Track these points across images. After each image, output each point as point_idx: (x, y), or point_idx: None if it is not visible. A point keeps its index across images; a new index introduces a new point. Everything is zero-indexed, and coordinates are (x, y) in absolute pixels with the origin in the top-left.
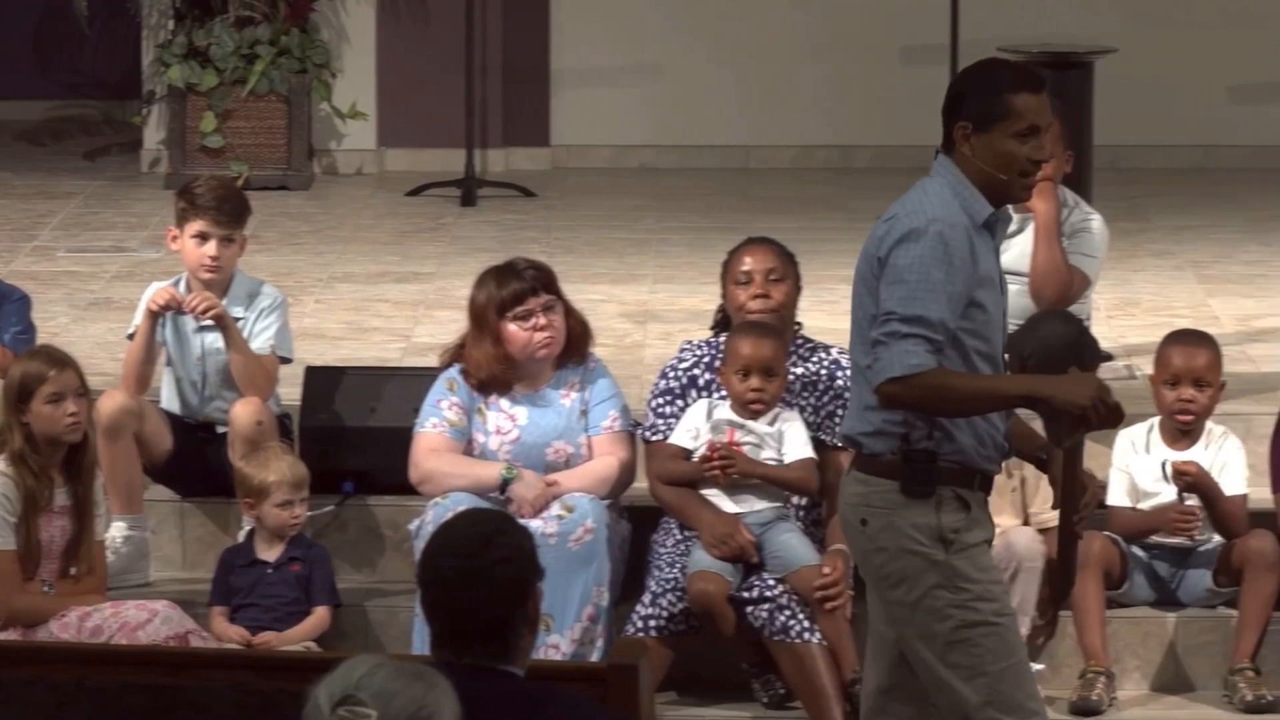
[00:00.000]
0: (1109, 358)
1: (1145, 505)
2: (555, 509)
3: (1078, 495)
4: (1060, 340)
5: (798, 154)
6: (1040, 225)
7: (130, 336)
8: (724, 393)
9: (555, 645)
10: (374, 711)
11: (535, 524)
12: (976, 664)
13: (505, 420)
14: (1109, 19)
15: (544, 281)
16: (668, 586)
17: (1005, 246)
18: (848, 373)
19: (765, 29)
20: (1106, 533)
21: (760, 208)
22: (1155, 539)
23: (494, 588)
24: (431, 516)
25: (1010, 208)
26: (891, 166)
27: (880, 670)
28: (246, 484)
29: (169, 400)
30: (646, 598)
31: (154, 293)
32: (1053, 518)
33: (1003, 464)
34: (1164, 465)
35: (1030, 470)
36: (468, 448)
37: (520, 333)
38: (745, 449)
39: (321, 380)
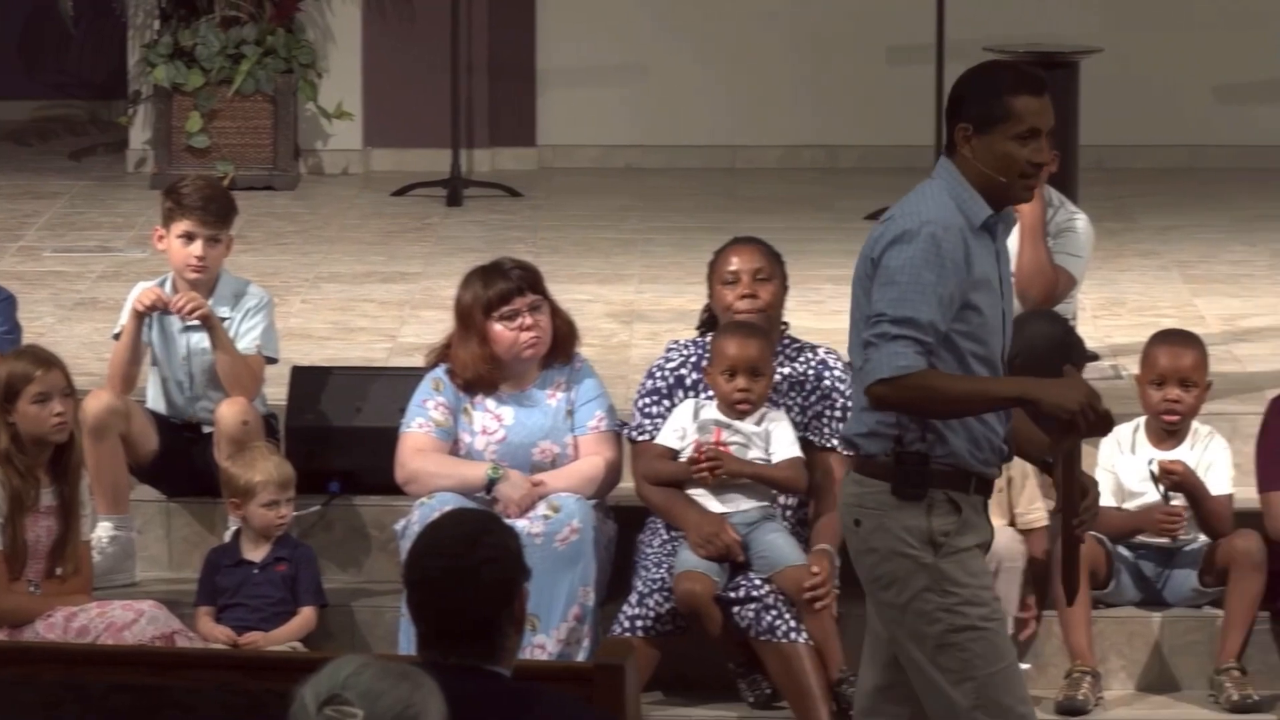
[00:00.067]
0: (1095, 358)
1: (1131, 505)
2: (541, 509)
3: (1077, 499)
4: (1046, 340)
5: (784, 154)
6: (1025, 225)
7: (116, 336)
8: (711, 393)
9: (541, 645)
10: (360, 711)
11: (521, 524)
12: (964, 668)
13: (491, 420)
14: (1095, 19)
15: (530, 281)
16: (654, 586)
17: None
18: (835, 373)
19: (751, 29)
20: (1092, 532)
21: (746, 208)
22: (1141, 539)
23: (480, 588)
24: (417, 516)
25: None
26: (878, 166)
27: (875, 669)
28: (232, 484)
29: (155, 400)
30: (633, 598)
31: (140, 293)
32: (1038, 518)
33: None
34: (1150, 465)
35: (1016, 470)
36: (454, 448)
37: (506, 333)
38: (732, 449)
39: (307, 380)
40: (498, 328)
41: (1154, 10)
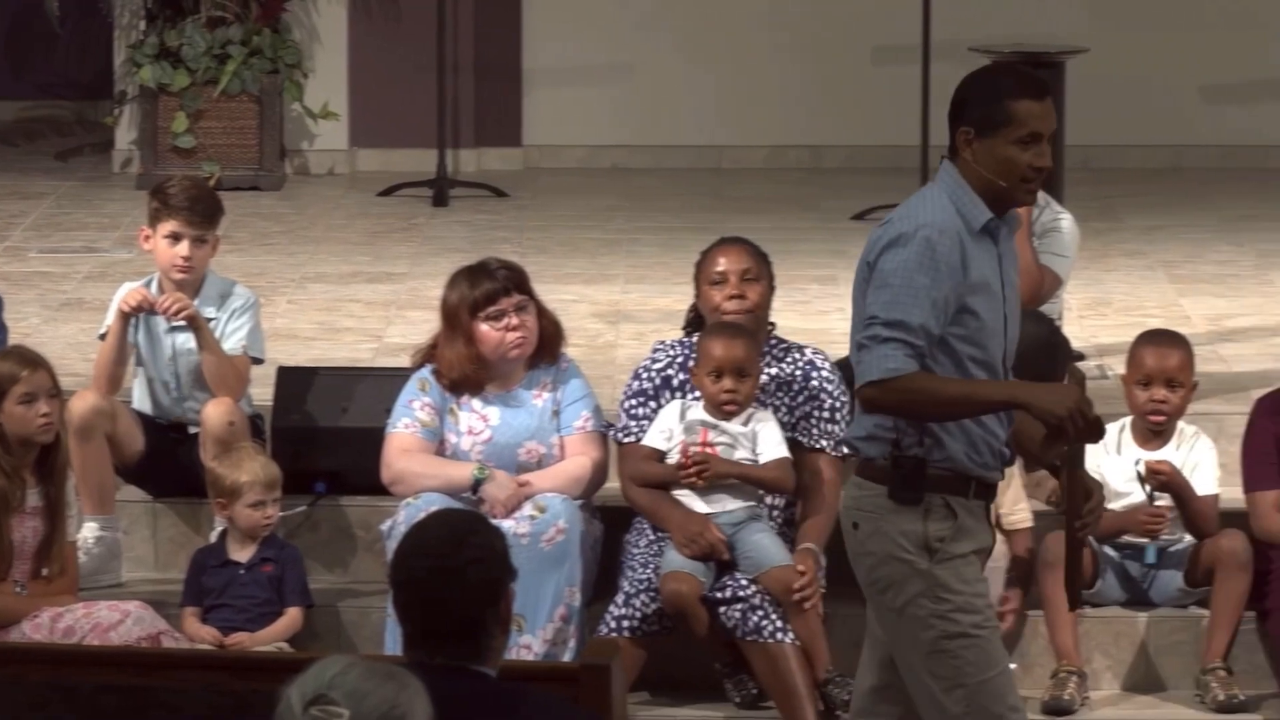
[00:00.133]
0: (1080, 358)
1: (1116, 505)
2: (527, 509)
3: (1080, 502)
4: (1032, 340)
5: (770, 154)
6: None
7: (102, 337)
8: (698, 393)
9: (527, 645)
10: (346, 711)
11: (507, 524)
12: (956, 675)
13: (477, 420)
14: (1081, 19)
15: (516, 281)
16: (641, 587)
17: None
18: (823, 373)
19: (737, 29)
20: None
21: (733, 208)
22: (1127, 539)
23: (466, 588)
24: (404, 517)
25: None
26: (863, 166)
27: (872, 669)
28: (218, 484)
29: (141, 401)
30: (619, 598)
31: (126, 294)
32: (1022, 519)
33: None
34: (1137, 466)
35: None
36: (440, 448)
37: (492, 333)
38: (719, 449)
39: (293, 380)
40: (484, 328)
41: (1140, 10)
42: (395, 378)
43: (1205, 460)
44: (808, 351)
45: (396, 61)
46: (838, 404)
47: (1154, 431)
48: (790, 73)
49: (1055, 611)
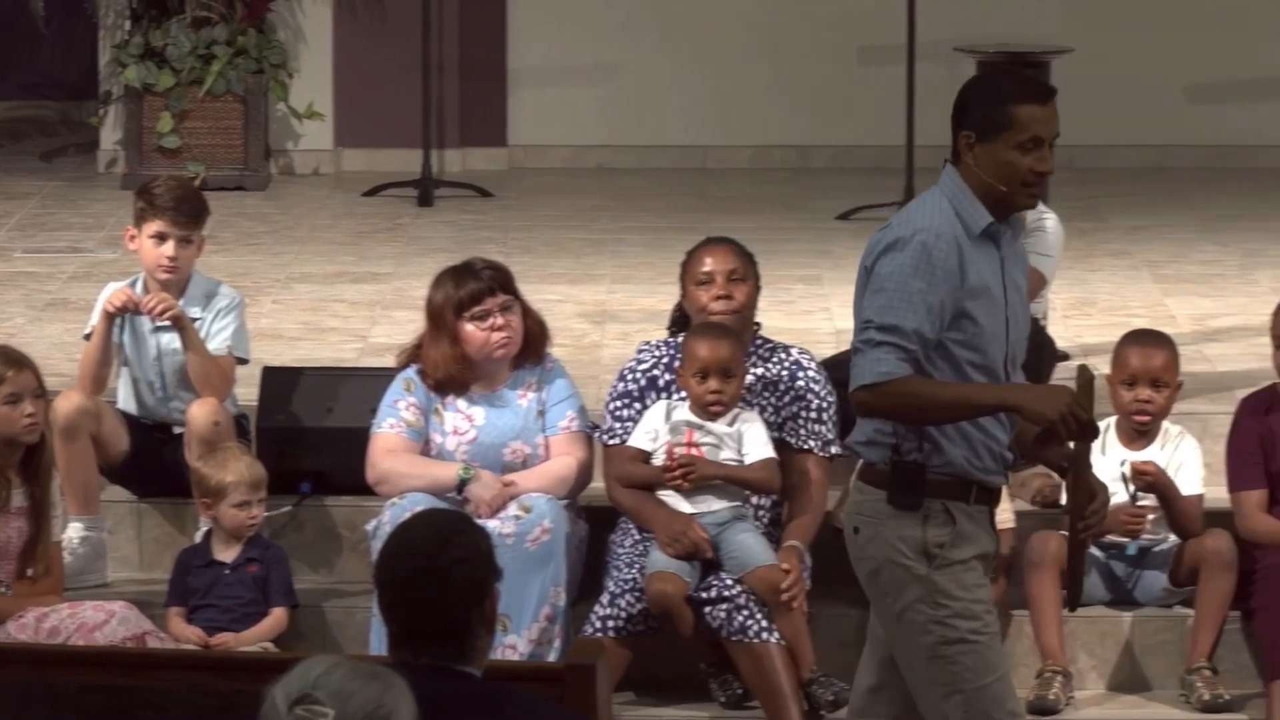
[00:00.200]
0: (1065, 357)
1: None
2: (513, 509)
3: (1084, 503)
4: None
5: (755, 154)
6: None
7: (87, 337)
8: (683, 394)
9: (513, 645)
10: (331, 710)
11: (493, 524)
12: (954, 681)
13: (462, 420)
14: (1066, 19)
15: (501, 281)
16: (626, 587)
17: None
18: (809, 373)
19: (722, 29)
20: (1062, 532)
21: (718, 208)
22: (1110, 538)
23: (451, 588)
24: (389, 517)
25: None
26: (849, 166)
27: (871, 669)
28: (204, 484)
29: (126, 401)
30: (605, 598)
31: (111, 294)
32: (1005, 519)
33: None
34: (1122, 467)
35: None
36: (425, 448)
37: (478, 333)
38: (704, 450)
39: (278, 381)
40: (469, 328)
41: (1124, 10)
42: (380, 378)
43: (1190, 460)
44: (793, 352)
45: (381, 61)
46: (824, 404)
47: (1139, 431)
48: (775, 73)
49: (1040, 611)
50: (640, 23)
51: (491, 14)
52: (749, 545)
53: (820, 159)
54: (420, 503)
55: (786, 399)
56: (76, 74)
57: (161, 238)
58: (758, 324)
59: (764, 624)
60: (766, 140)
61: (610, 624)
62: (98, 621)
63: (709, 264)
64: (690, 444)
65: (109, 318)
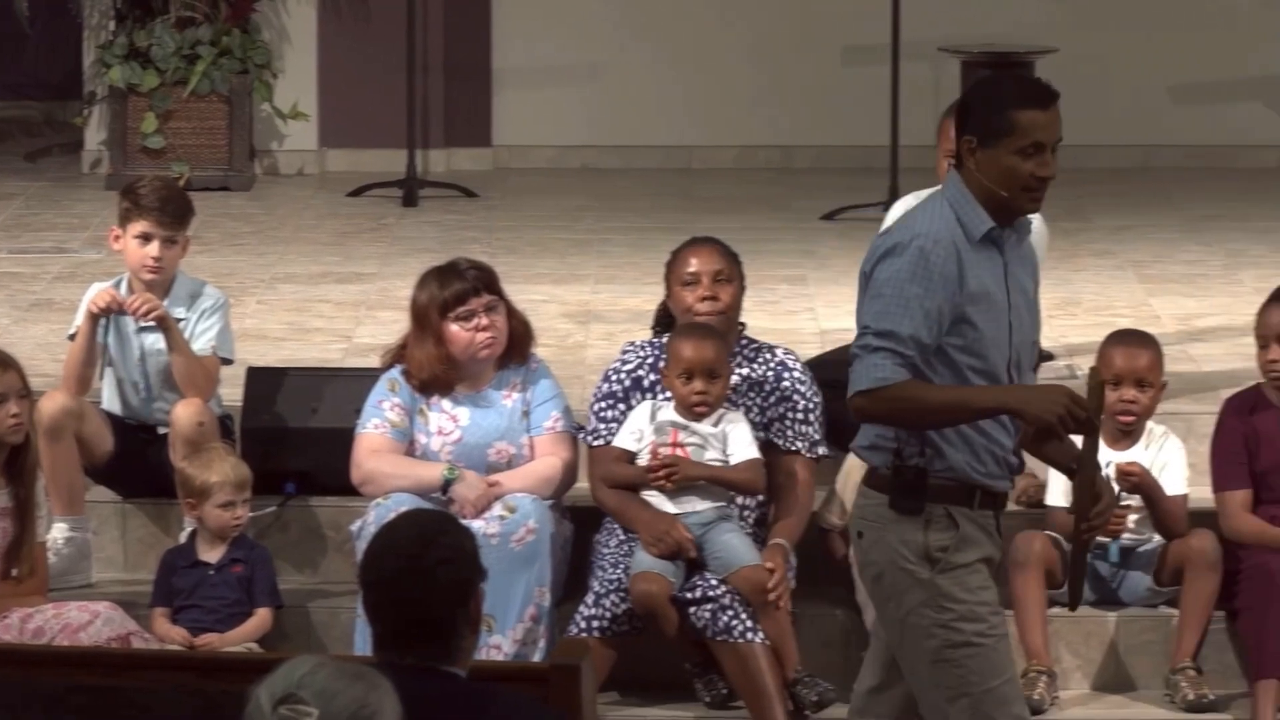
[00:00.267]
0: (1050, 357)
1: None
2: (497, 509)
3: (1089, 504)
4: None
5: (739, 154)
6: None
7: (71, 337)
8: (668, 394)
9: (497, 646)
10: (315, 710)
11: (477, 524)
12: (959, 684)
13: (447, 421)
14: (1050, 19)
15: (486, 282)
16: (611, 587)
17: None
18: (794, 374)
19: (707, 29)
20: (1047, 532)
21: (702, 208)
22: (1096, 538)
23: (436, 588)
24: (373, 517)
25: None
26: (833, 167)
27: (874, 670)
28: (188, 485)
29: (110, 401)
30: (589, 598)
31: (95, 294)
32: None
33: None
34: (1107, 467)
35: None
36: (409, 448)
37: (462, 333)
38: (689, 450)
39: (263, 381)
40: (454, 328)
41: (1109, 10)
42: (365, 378)
43: (1174, 460)
44: (779, 352)
45: (366, 62)
46: (810, 405)
47: (1123, 432)
48: (760, 73)
49: (1025, 611)
50: (625, 23)
51: (476, 14)
52: (733, 545)
53: (805, 159)
54: (405, 503)
55: (772, 400)
56: (61, 74)
57: (146, 238)
58: (743, 324)
59: (749, 624)
60: (751, 140)
61: (595, 624)
62: (82, 622)
63: (695, 265)
64: (675, 444)
65: (93, 318)
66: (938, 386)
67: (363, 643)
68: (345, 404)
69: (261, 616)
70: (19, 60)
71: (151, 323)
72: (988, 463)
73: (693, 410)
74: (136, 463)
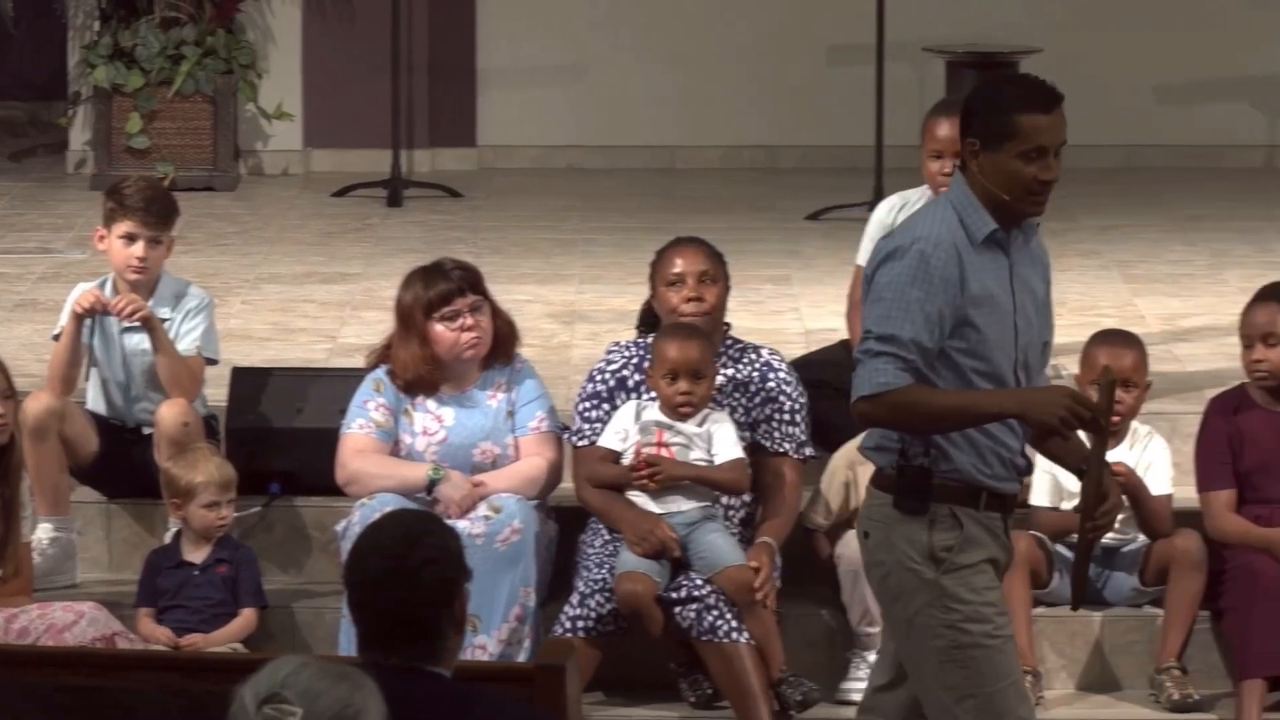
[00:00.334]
0: None
1: (1068, 505)
2: (482, 509)
3: (1094, 505)
4: None
5: (724, 154)
6: None
7: (56, 338)
8: (653, 394)
9: (482, 646)
10: (299, 710)
11: (462, 525)
12: (966, 685)
13: (432, 421)
14: (1034, 19)
15: (471, 282)
16: (596, 587)
17: None
18: (780, 374)
19: (692, 29)
20: (1032, 532)
21: (687, 208)
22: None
23: (421, 588)
24: (358, 517)
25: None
26: (818, 167)
27: (886, 668)
28: (173, 485)
29: (95, 401)
30: (574, 598)
31: (79, 295)
32: None
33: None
34: None
35: None
36: (394, 449)
37: (447, 333)
38: (674, 450)
39: (248, 381)
40: (438, 328)
41: (1093, 11)
42: (350, 378)
43: (1159, 460)
44: (764, 352)
45: (350, 62)
46: (796, 406)
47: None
48: (745, 73)
49: (1010, 611)
50: (610, 23)
51: (461, 14)
52: (718, 545)
53: (789, 159)
54: (390, 503)
55: (757, 400)
56: (45, 74)
57: (131, 238)
58: (728, 324)
59: (733, 624)
60: (736, 140)
61: (580, 624)
62: (67, 622)
63: (680, 265)
64: (660, 444)
65: (78, 318)
66: (940, 391)
67: (347, 643)
68: (330, 404)
69: (246, 617)
70: (3, 61)
71: (136, 323)
72: (993, 464)
73: (677, 410)
74: (121, 463)
